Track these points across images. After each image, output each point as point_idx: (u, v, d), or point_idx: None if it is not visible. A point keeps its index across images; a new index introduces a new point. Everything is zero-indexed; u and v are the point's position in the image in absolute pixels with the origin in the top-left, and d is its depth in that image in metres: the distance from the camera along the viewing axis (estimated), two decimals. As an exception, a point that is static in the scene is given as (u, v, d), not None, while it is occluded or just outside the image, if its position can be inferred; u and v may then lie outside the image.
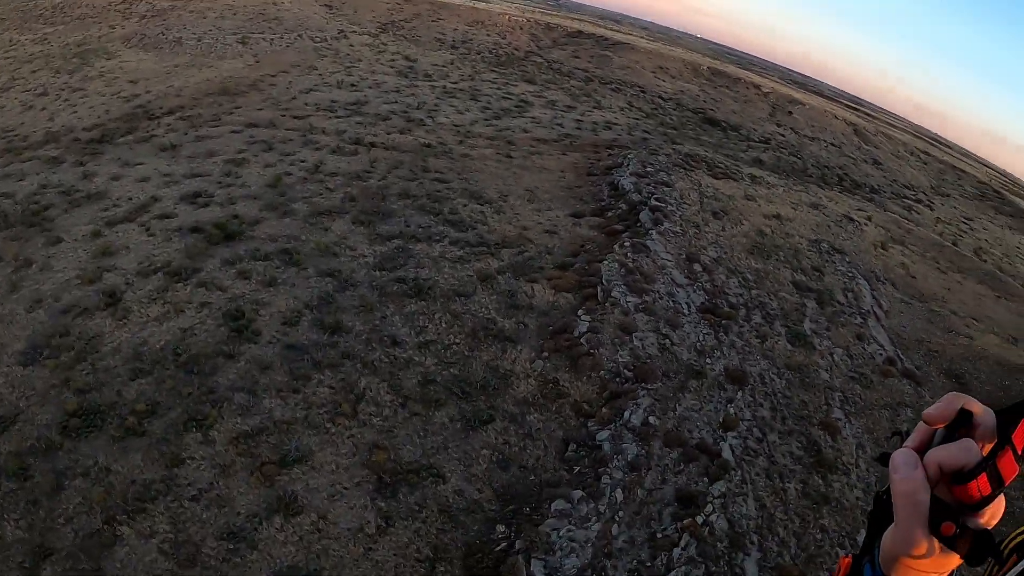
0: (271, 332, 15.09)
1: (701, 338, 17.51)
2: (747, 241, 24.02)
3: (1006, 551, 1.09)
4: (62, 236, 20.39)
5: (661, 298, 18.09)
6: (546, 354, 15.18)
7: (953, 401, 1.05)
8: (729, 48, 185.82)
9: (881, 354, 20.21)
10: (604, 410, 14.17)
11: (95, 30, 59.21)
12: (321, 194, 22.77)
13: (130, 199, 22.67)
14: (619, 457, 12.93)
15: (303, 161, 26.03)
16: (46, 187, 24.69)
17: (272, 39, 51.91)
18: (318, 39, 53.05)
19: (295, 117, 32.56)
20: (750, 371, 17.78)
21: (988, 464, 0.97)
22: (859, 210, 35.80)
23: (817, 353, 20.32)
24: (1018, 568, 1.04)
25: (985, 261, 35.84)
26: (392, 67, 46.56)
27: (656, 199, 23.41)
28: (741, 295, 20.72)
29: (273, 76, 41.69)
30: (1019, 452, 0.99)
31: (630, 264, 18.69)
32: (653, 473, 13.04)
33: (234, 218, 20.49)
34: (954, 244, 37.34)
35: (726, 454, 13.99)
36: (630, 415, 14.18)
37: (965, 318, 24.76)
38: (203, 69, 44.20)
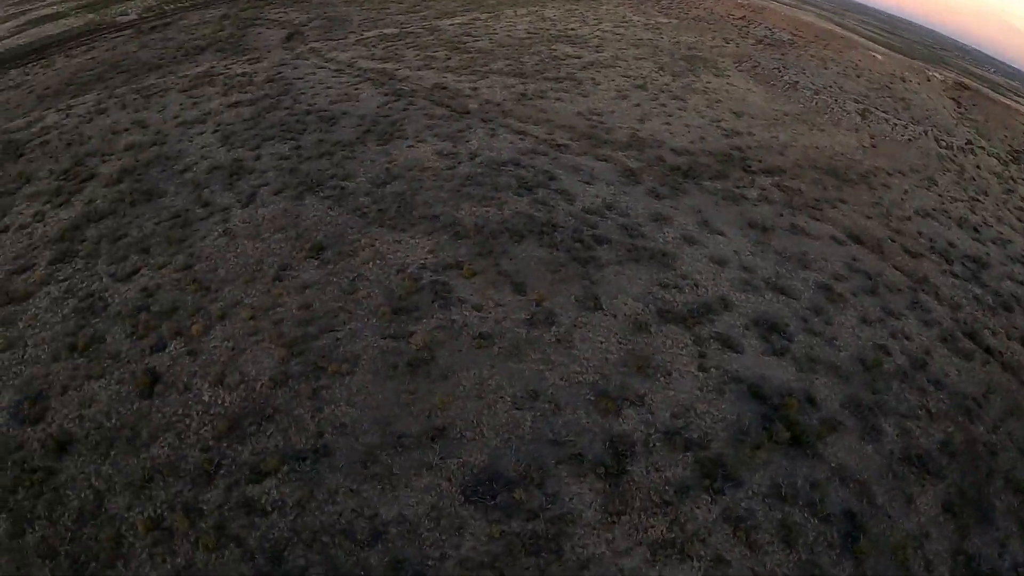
0: None
1: None
2: None
3: None
4: (601, 300, 17.39)
5: None
6: None
7: None
8: None
9: None
10: None
11: (708, 38, 55.60)
12: (917, 418, 16.32)
13: (696, 285, 19.00)
14: None
15: (907, 338, 19.33)
16: (611, 208, 22.28)
17: (895, 124, 43.61)
18: (943, 144, 43.48)
19: (907, 251, 25.54)
20: None
21: None
22: None
23: None
24: None
25: None
26: (1021, 221, 35.37)
27: None
28: None
29: (889, 174, 34.26)
30: None
31: None
32: None
33: (809, 403, 15.48)
34: None
35: None
36: None
37: None
38: (813, 130, 37.88)
